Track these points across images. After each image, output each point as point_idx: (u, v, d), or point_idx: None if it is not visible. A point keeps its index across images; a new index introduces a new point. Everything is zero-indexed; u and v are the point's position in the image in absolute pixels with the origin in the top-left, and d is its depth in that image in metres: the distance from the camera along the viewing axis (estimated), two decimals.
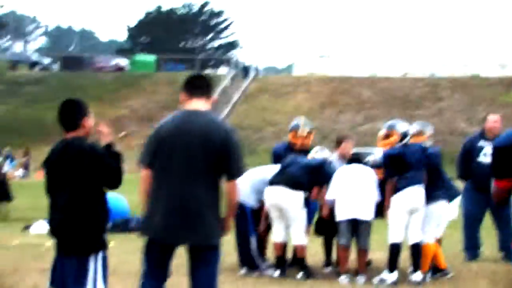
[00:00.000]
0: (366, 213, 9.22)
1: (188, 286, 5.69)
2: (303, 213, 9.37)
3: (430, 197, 9.19)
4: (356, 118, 48.77)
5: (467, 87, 50.96)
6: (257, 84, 56.27)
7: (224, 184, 5.65)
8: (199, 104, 5.66)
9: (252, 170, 9.83)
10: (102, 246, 5.60)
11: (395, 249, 9.08)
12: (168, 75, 57.50)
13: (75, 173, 5.48)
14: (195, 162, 5.47)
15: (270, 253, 9.94)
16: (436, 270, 9.39)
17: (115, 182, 5.59)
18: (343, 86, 53.54)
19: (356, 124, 47.06)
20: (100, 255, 5.57)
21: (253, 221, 9.59)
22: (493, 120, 10.98)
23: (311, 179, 9.47)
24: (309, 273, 9.35)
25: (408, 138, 9.30)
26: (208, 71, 63.18)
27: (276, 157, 9.87)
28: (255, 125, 48.27)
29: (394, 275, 8.99)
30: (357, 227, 9.24)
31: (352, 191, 9.21)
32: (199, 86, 5.72)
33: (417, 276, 8.99)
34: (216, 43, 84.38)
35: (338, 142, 10.20)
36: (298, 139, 9.77)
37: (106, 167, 5.53)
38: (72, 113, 5.61)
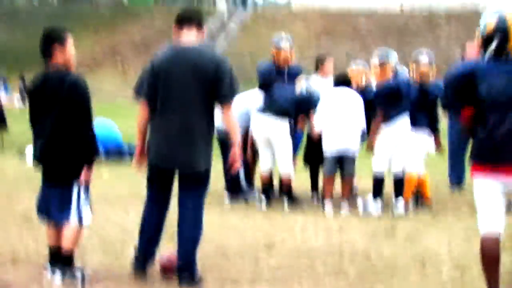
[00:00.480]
0: (352, 144, 9.37)
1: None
2: (289, 142, 9.50)
3: (417, 128, 9.35)
4: (351, 48, 48.60)
5: (464, 19, 50.62)
6: (255, 15, 56.07)
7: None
8: (190, 36, 5.87)
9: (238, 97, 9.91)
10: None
11: (378, 178, 9.27)
12: (165, 8, 57.18)
13: (56, 103, 5.58)
14: (190, 93, 5.71)
15: (257, 183, 10.09)
16: (421, 200, 9.58)
17: (87, 122, 5.66)
18: (340, 18, 53.30)
19: (351, 54, 46.88)
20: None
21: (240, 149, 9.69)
22: (471, 47, 10.46)
23: (298, 108, 9.59)
24: (295, 203, 9.51)
25: (402, 69, 9.45)
26: (205, 3, 62.85)
27: (262, 76, 9.83)
28: (252, 54, 48.09)
29: (378, 203, 9.21)
30: (343, 157, 9.41)
31: (338, 122, 9.32)
32: (189, 18, 5.94)
33: (400, 204, 9.20)
34: None
35: (319, 62, 10.47)
36: (280, 53, 9.74)
37: (81, 102, 5.61)
38: (44, 41, 5.73)
